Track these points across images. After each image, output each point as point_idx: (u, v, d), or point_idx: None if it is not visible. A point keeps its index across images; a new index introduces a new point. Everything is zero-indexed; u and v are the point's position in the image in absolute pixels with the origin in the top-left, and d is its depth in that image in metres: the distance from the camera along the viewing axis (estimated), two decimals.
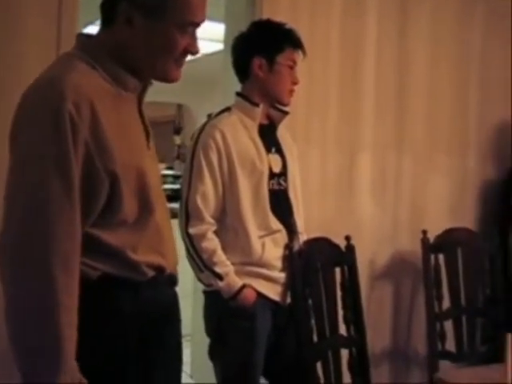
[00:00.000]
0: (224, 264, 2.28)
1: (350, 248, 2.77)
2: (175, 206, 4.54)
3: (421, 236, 3.14)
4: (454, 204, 3.65)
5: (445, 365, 3.11)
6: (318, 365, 2.58)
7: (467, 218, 3.58)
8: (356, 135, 3.32)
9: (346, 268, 2.74)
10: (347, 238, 2.76)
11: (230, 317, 2.31)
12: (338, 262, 2.73)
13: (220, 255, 2.28)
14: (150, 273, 1.55)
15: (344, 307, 2.71)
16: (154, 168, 1.62)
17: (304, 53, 2.42)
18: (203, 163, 2.28)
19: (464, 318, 3.17)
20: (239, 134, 2.35)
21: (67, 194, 1.36)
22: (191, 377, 4.03)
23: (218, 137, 2.29)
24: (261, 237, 2.34)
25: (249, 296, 2.29)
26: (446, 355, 3.12)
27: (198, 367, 3.73)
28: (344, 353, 2.69)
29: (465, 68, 3.67)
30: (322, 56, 3.15)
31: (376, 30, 3.33)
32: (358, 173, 3.33)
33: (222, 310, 2.32)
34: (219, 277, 2.27)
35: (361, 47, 3.30)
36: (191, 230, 2.28)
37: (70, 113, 1.35)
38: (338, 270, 2.72)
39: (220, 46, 3.89)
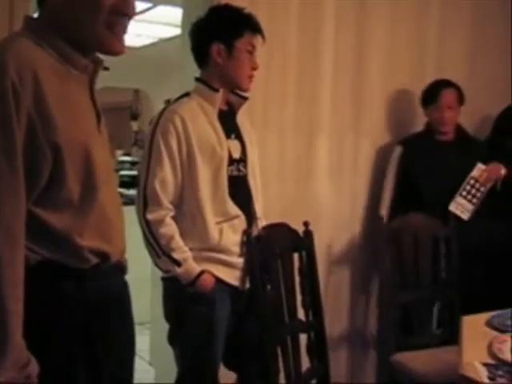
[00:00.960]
0: (182, 250, 2.28)
1: (308, 233, 2.78)
2: (133, 192, 4.54)
3: (378, 221, 3.18)
4: None
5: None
6: (277, 350, 2.59)
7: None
8: (314, 120, 3.34)
9: (304, 253, 2.75)
10: (305, 224, 2.78)
11: (188, 303, 2.31)
12: (296, 247, 2.74)
13: (178, 241, 2.28)
14: (94, 260, 1.51)
15: (302, 292, 2.73)
16: (104, 151, 1.57)
17: (263, 37, 2.41)
18: (162, 148, 2.26)
19: (420, 302, 3.22)
20: (199, 120, 2.33)
21: (9, 163, 1.32)
22: (150, 364, 4.01)
23: (178, 122, 2.27)
24: (218, 223, 2.34)
25: (207, 282, 2.30)
26: (402, 338, 3.16)
27: (158, 355, 3.72)
28: (302, 337, 2.71)
29: (421, 54, 3.71)
30: (280, 42, 3.14)
31: (334, 15, 3.34)
32: (316, 158, 3.35)
33: (181, 296, 2.32)
34: (177, 263, 2.27)
35: (319, 32, 3.31)
36: (149, 216, 2.26)
37: (12, 81, 1.32)
38: (296, 256, 2.73)
39: (177, 31, 3.85)
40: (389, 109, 3.60)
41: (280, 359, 2.56)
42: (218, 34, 2.34)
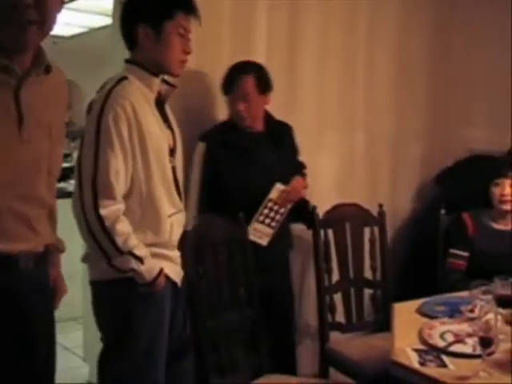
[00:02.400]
0: (141, 246, 2.11)
1: (242, 225, 2.78)
2: (64, 185, 4.45)
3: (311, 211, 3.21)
4: (341, 180, 3.75)
5: (335, 336, 3.21)
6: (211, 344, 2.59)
7: (355, 194, 3.68)
8: None
9: (237, 244, 2.75)
10: (239, 215, 2.78)
11: (138, 305, 2.14)
12: (231, 239, 2.74)
13: (134, 237, 2.10)
14: None
15: (238, 285, 2.73)
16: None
17: (199, 19, 2.27)
18: (114, 136, 2.04)
19: (352, 290, 3.27)
20: (144, 106, 2.16)
21: None
22: (84, 360, 3.95)
23: (128, 107, 2.08)
24: (169, 216, 2.22)
25: (163, 280, 2.17)
26: (336, 326, 3.21)
27: (91, 350, 3.65)
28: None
29: (353, 47, 3.76)
30: (212, 33, 3.11)
31: (267, 7, 3.34)
32: None
33: (129, 298, 2.13)
34: (140, 260, 2.09)
35: (252, 24, 3.29)
36: (103, 211, 2.03)
37: None
38: (236, 246, 2.73)
39: (109, 20, 3.78)
40: (319, 104, 3.62)
41: (215, 351, 2.56)
42: (146, 16, 2.18)
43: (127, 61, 2.26)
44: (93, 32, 6.62)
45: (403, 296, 2.74)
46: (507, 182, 3.04)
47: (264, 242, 2.91)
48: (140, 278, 2.10)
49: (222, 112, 3.13)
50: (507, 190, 3.03)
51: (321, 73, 3.61)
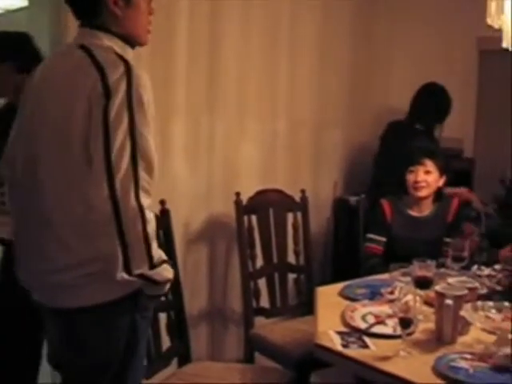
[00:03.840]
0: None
1: (165, 212, 2.76)
2: None
3: (234, 198, 3.21)
4: (264, 167, 3.77)
5: (260, 321, 3.24)
6: None
7: (278, 180, 3.71)
8: (168, 99, 3.29)
9: (161, 232, 2.72)
10: (162, 203, 2.75)
11: (142, 323, 1.91)
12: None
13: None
14: None
15: None
16: None
17: None
18: (147, 113, 1.84)
19: (276, 275, 3.30)
20: None
21: None
22: None
23: (148, 84, 1.86)
24: None
25: None
26: (261, 312, 3.24)
27: None
28: (162, 316, 2.69)
29: (274, 34, 3.76)
30: None
31: None
32: (171, 137, 3.32)
33: (136, 317, 1.87)
34: (166, 262, 1.84)
35: (172, 10, 3.25)
36: (145, 201, 1.75)
37: None
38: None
39: (25, 2, 3.67)
40: (242, 91, 3.63)
41: None
42: None
43: (98, 27, 1.91)
44: (8, 14, 6.39)
45: (326, 280, 2.79)
46: (421, 168, 3.10)
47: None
48: (161, 289, 1.86)
49: None
50: (421, 177, 3.10)
51: (242, 61, 3.60)
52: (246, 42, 3.61)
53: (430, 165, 3.10)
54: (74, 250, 1.78)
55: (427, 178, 3.10)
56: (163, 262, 1.81)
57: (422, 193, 3.12)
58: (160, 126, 3.26)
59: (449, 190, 3.33)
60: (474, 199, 3.91)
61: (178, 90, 3.32)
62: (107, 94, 1.72)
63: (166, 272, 1.81)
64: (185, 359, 2.74)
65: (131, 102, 1.75)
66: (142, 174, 1.76)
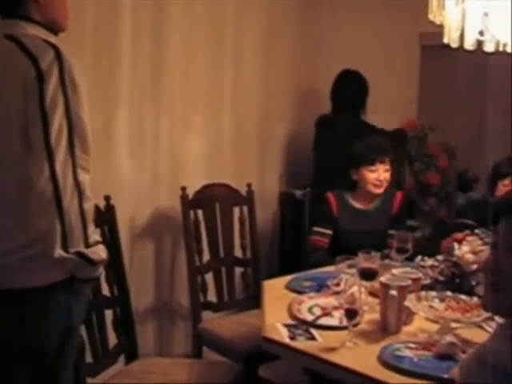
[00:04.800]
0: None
1: (110, 208, 2.72)
2: None
3: (180, 193, 3.19)
4: (210, 161, 3.76)
5: (207, 315, 3.23)
6: (82, 328, 2.52)
7: (224, 174, 3.70)
8: (112, 93, 3.25)
9: (106, 228, 2.69)
10: (106, 198, 2.71)
11: (78, 306, 1.93)
12: (97, 222, 2.66)
13: None
14: None
15: (106, 268, 2.65)
16: None
17: None
18: (81, 95, 1.83)
19: (223, 270, 3.30)
20: None
21: None
22: None
23: (78, 67, 1.85)
24: None
25: None
26: (208, 306, 3.23)
27: None
28: (108, 313, 2.66)
29: (220, 28, 3.75)
30: (73, 8, 2.99)
31: None
32: (115, 131, 3.28)
33: (73, 301, 1.90)
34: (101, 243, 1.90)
35: (116, 2, 3.20)
36: (83, 177, 1.83)
37: None
38: (97, 231, 2.66)
39: None
40: (187, 85, 3.61)
41: (85, 337, 2.49)
42: None
43: (20, 17, 1.89)
44: None
45: (273, 273, 2.80)
46: (381, 167, 3.15)
47: None
48: (95, 271, 1.88)
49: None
50: (383, 176, 3.15)
51: (187, 55, 3.58)
52: (191, 35, 3.59)
53: (388, 162, 3.16)
54: (14, 234, 1.82)
55: (386, 175, 3.16)
56: (98, 242, 1.87)
57: (381, 190, 3.17)
58: (104, 120, 3.23)
59: None
60: None
61: (122, 83, 3.27)
62: (40, 78, 1.75)
63: (102, 252, 1.86)
64: (132, 356, 2.71)
65: (65, 85, 1.77)
66: (79, 153, 1.81)
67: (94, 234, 1.87)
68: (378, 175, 3.14)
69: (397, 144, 3.98)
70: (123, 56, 3.26)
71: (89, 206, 1.82)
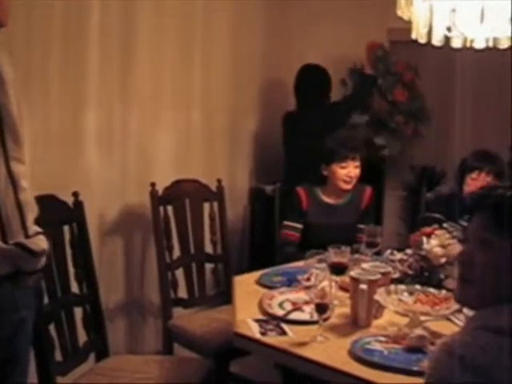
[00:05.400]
0: None
1: (79, 204, 2.69)
2: None
3: (149, 189, 3.17)
4: (180, 156, 3.75)
5: (178, 311, 3.22)
6: (52, 327, 2.50)
7: (193, 169, 3.69)
8: (80, 89, 3.21)
9: (74, 225, 2.66)
10: (75, 194, 2.68)
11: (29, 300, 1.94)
12: (66, 219, 2.64)
13: None
14: None
15: (75, 265, 2.64)
16: None
17: None
18: (10, 90, 1.80)
19: (194, 266, 3.29)
20: None
21: None
22: None
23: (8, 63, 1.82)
24: None
25: None
26: (179, 302, 3.22)
27: None
28: (78, 311, 2.63)
29: (189, 23, 3.74)
30: (42, 6, 2.95)
31: None
32: (83, 128, 3.24)
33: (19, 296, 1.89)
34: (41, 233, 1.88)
35: (83, 3, 3.17)
36: (16, 168, 1.81)
37: None
38: (66, 228, 2.63)
39: None
40: (156, 80, 3.59)
41: (55, 336, 2.47)
42: None
43: None
44: None
45: (244, 268, 2.80)
46: (352, 164, 3.17)
47: None
48: (38, 262, 1.86)
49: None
50: (353, 172, 3.17)
51: (156, 50, 3.56)
52: (160, 30, 3.57)
53: (358, 159, 3.19)
54: None
55: (357, 171, 3.18)
56: (38, 233, 1.85)
57: (351, 186, 3.20)
58: (72, 116, 3.19)
59: None
60: None
61: (90, 78, 3.24)
62: None
63: (42, 242, 1.85)
64: (102, 354, 2.69)
65: None
66: (11, 145, 1.80)
67: (34, 226, 1.86)
68: (348, 172, 3.17)
69: (366, 85, 4.12)
70: (91, 52, 3.23)
71: (25, 197, 1.81)
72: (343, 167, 3.16)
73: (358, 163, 3.19)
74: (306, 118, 3.96)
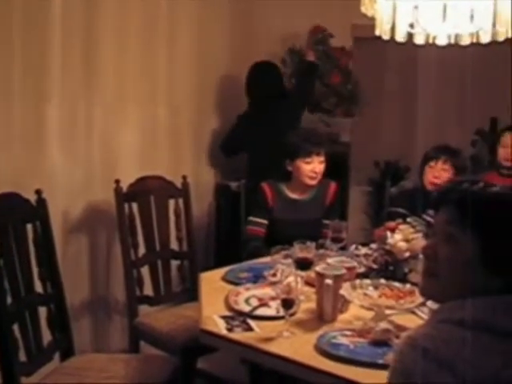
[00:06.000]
0: None
1: (42, 202, 2.66)
2: None
3: (114, 186, 3.15)
4: (145, 153, 3.72)
5: (144, 309, 3.20)
6: (16, 327, 2.46)
7: (158, 166, 3.67)
8: (42, 85, 3.16)
9: (38, 223, 2.63)
10: (38, 192, 2.65)
11: None
12: (29, 217, 2.61)
13: None
14: None
15: (39, 264, 2.61)
16: None
17: None
18: None
19: (159, 263, 3.27)
20: None
21: None
22: None
23: None
24: None
25: None
26: (145, 300, 3.20)
27: None
28: (42, 310, 2.60)
29: (153, 18, 3.72)
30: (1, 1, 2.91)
31: None
32: (46, 124, 3.19)
33: None
34: None
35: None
36: None
37: None
38: (29, 227, 2.60)
39: None
40: (120, 76, 3.55)
41: (19, 336, 2.43)
42: None
43: None
44: None
45: (210, 265, 2.80)
46: (317, 159, 3.18)
47: None
48: None
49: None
50: (318, 168, 3.19)
51: (120, 46, 3.53)
52: (124, 25, 3.54)
53: (322, 155, 3.20)
54: None
55: (321, 167, 3.20)
56: None
57: (316, 181, 3.21)
58: (35, 113, 3.15)
59: None
60: None
61: (53, 74, 3.19)
62: None
63: None
64: (67, 353, 2.66)
65: None
66: None
67: None
68: (313, 167, 3.18)
69: (309, 75, 4.15)
70: (54, 47, 3.17)
71: None
72: (308, 163, 3.17)
73: (322, 158, 3.20)
74: (261, 116, 3.98)
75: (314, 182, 3.21)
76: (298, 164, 3.18)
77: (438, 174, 3.27)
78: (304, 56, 4.17)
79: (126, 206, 3.17)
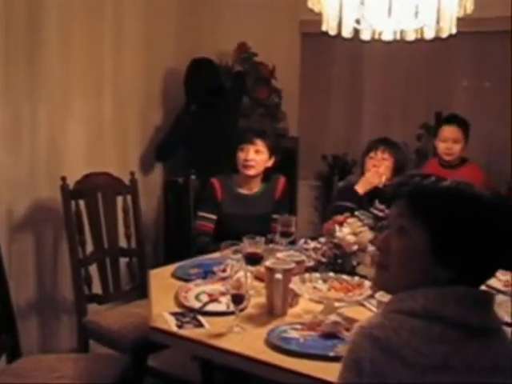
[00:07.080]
0: None
1: None
2: None
3: (60, 183, 3.09)
4: (91, 149, 3.67)
5: (93, 308, 3.16)
6: None
7: (106, 162, 3.63)
8: None
9: None
10: None
11: None
12: None
13: None
14: None
15: None
16: None
17: None
18: None
19: (108, 260, 3.24)
20: None
21: None
22: None
23: None
24: None
25: None
26: (94, 298, 3.16)
27: None
28: None
29: (99, 12, 3.68)
30: None
31: None
32: None
33: None
34: None
35: None
36: None
37: None
38: None
39: None
40: (65, 70, 3.49)
41: None
42: None
43: None
44: None
45: (159, 262, 2.78)
46: (252, 148, 3.17)
47: None
48: None
49: None
50: (251, 156, 3.17)
51: (65, 40, 3.48)
52: (69, 18, 3.49)
53: (260, 144, 3.18)
54: None
55: (256, 157, 3.18)
56: None
57: (251, 171, 3.19)
58: None
59: None
60: None
61: None
62: None
63: None
64: (14, 354, 2.60)
65: None
66: None
67: None
68: (245, 155, 3.17)
69: (239, 85, 4.33)
70: None
71: None
72: (242, 150, 3.18)
73: (259, 148, 3.18)
74: (203, 111, 4.00)
75: (249, 172, 3.19)
76: (237, 154, 3.19)
77: (378, 163, 3.33)
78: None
79: (73, 203, 3.12)
